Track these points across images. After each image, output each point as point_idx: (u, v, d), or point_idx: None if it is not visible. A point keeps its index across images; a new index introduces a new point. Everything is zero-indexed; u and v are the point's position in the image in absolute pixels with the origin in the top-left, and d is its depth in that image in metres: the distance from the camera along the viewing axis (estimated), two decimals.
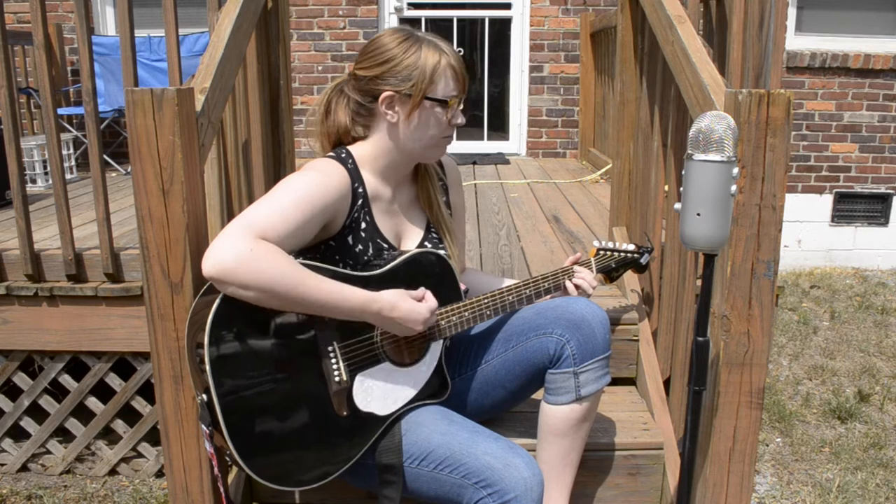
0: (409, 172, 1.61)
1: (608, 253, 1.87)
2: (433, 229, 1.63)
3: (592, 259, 1.83)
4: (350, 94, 1.54)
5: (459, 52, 5.25)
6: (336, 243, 1.48)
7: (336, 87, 1.57)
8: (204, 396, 1.29)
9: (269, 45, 2.15)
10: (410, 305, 1.41)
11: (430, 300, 1.46)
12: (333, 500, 1.73)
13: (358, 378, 1.43)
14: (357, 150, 1.53)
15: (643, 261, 1.88)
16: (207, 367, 1.26)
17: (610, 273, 1.88)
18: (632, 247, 1.87)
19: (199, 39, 4.54)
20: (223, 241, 1.26)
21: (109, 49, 4.49)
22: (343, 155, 1.51)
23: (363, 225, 1.50)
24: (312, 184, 1.39)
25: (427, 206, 1.63)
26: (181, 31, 2.94)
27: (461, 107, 1.51)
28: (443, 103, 1.46)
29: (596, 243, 1.89)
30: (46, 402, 2.48)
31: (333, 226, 1.46)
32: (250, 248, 1.25)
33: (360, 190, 1.49)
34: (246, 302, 1.28)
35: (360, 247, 1.49)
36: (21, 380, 2.46)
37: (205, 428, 1.31)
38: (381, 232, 1.52)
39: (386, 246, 1.52)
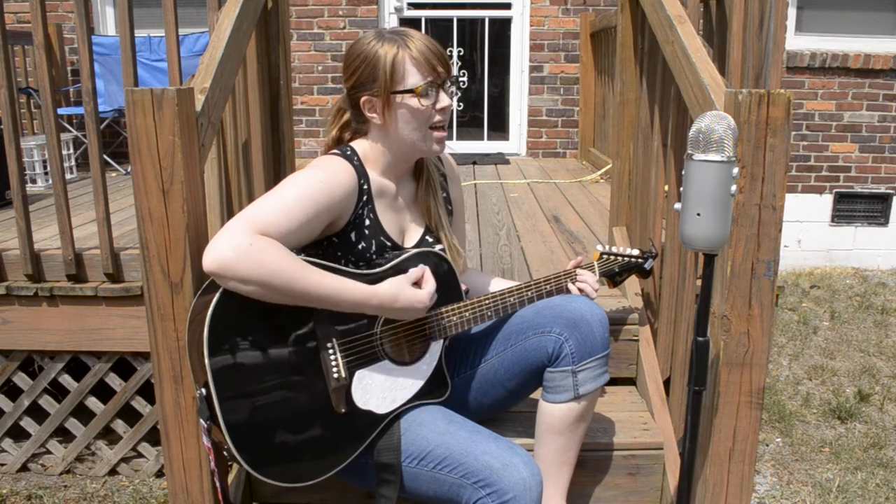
0: (410, 168, 1.61)
1: (612, 257, 1.86)
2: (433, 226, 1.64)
3: (596, 263, 1.83)
4: (345, 108, 1.58)
5: (460, 50, 5.26)
6: (339, 240, 1.48)
7: (336, 108, 1.61)
8: (203, 391, 1.30)
9: (269, 45, 2.15)
10: (411, 294, 1.43)
11: (430, 282, 1.47)
12: (333, 500, 1.73)
13: (357, 375, 1.43)
14: (360, 146, 1.54)
15: (647, 266, 1.87)
16: (206, 362, 1.26)
17: (613, 277, 1.87)
18: (636, 252, 1.87)
19: (199, 39, 4.54)
20: (223, 236, 1.27)
21: (109, 49, 4.49)
22: (349, 152, 1.51)
23: (367, 222, 1.50)
24: (318, 182, 1.40)
25: (426, 204, 1.62)
26: (181, 31, 2.94)
27: (445, 90, 1.48)
28: (410, 92, 1.45)
29: (599, 247, 1.88)
30: (46, 402, 2.48)
31: (338, 223, 1.47)
32: (249, 243, 1.26)
33: (366, 187, 1.50)
34: (245, 297, 1.29)
35: (363, 244, 1.49)
36: (21, 380, 2.46)
37: (203, 422, 1.31)
38: (384, 229, 1.52)
39: (389, 243, 1.52)
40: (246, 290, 1.27)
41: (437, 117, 1.48)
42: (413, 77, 1.44)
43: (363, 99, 1.48)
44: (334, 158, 1.48)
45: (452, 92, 1.52)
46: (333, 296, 1.35)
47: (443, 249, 1.59)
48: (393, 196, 1.56)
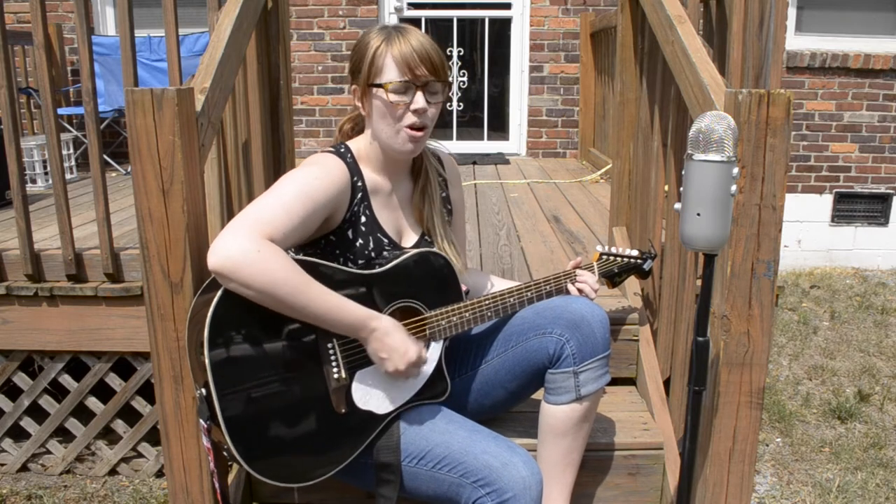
0: (406, 167, 1.61)
1: (611, 258, 1.86)
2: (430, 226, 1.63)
3: (595, 263, 1.83)
4: None
5: (460, 50, 5.25)
6: (336, 238, 1.48)
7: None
8: (203, 391, 1.30)
9: (269, 45, 2.15)
10: (405, 338, 1.42)
11: (422, 349, 1.45)
12: (333, 500, 1.73)
13: (357, 376, 1.43)
14: (354, 144, 1.55)
15: (646, 267, 1.88)
16: (206, 362, 1.26)
17: (612, 278, 1.87)
18: (635, 252, 1.87)
19: (199, 39, 4.54)
20: (231, 237, 1.27)
21: (109, 49, 4.49)
22: (342, 150, 1.52)
23: (363, 219, 1.50)
24: (313, 178, 1.41)
25: (419, 208, 1.62)
26: (181, 31, 2.94)
27: (426, 93, 1.45)
28: (381, 87, 1.44)
29: (599, 248, 1.88)
30: (46, 402, 2.48)
31: (334, 220, 1.47)
32: (258, 249, 1.26)
33: (360, 184, 1.50)
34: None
35: (360, 241, 1.49)
36: (21, 380, 2.46)
37: (203, 422, 1.31)
38: (381, 226, 1.53)
39: (386, 241, 1.53)
40: (247, 294, 1.28)
41: (412, 118, 1.46)
42: (390, 73, 1.44)
43: (353, 87, 1.52)
44: (328, 156, 1.49)
45: (444, 95, 1.50)
46: (332, 312, 1.34)
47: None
48: (387, 194, 1.57)
